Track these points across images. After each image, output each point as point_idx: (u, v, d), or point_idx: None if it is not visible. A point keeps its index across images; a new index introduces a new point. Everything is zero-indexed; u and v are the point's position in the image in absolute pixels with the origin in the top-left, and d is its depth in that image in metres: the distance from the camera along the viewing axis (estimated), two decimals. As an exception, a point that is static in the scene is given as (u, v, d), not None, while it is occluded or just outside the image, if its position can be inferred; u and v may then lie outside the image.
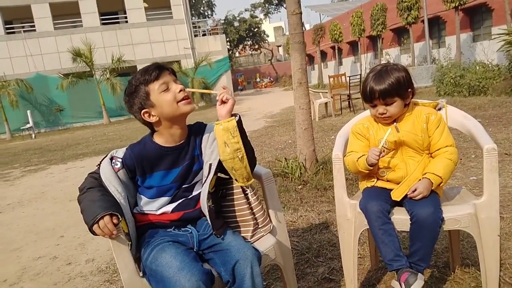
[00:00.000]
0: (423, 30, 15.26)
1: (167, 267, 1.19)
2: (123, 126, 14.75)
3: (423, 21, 15.02)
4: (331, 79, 10.20)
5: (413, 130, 1.56)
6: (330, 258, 2.18)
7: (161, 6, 22.67)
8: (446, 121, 1.62)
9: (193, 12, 35.67)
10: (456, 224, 1.48)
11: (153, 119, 1.36)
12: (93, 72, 18.63)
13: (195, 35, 24.03)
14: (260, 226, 1.48)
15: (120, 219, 1.24)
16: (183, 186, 1.42)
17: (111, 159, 1.39)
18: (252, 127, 9.08)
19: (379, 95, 1.52)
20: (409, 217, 1.47)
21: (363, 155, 1.58)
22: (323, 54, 27.85)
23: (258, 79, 40.45)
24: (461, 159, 3.74)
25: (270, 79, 40.00)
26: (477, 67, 9.10)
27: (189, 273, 1.15)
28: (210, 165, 1.40)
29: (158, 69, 1.35)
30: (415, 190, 1.48)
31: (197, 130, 1.47)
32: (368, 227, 1.56)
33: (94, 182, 1.34)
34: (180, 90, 1.35)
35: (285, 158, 4.12)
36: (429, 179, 1.49)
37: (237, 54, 43.89)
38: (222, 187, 1.52)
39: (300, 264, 2.16)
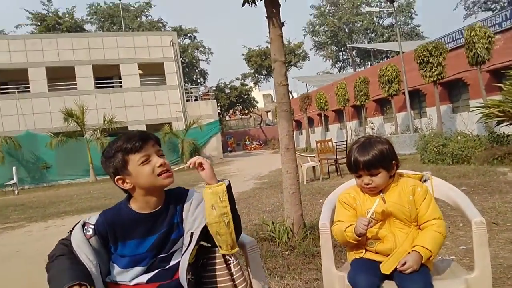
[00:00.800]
0: (405, 101, 16.04)
1: None
2: (109, 184, 14.39)
3: (404, 93, 15.85)
4: (318, 144, 10.42)
5: (400, 201, 1.55)
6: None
7: (155, 73, 23.66)
8: (432, 192, 1.62)
9: (186, 79, 37.16)
10: (449, 300, 1.41)
11: (126, 186, 1.33)
12: (84, 132, 18.73)
13: (187, 100, 24.79)
14: (242, 299, 1.38)
15: None
16: (160, 255, 1.33)
17: (83, 225, 1.32)
18: (240, 188, 8.98)
19: (364, 166, 1.53)
20: (399, 292, 1.40)
21: (351, 225, 1.55)
22: (310, 120, 28.76)
23: (247, 142, 41.12)
24: (449, 228, 3.70)
25: (259, 141, 40.72)
26: (459, 137, 9.43)
27: None
28: (192, 233, 1.33)
29: (142, 140, 1.32)
30: (405, 263, 1.43)
31: (178, 197, 1.42)
32: (357, 301, 1.48)
33: (64, 249, 1.27)
34: (160, 165, 1.32)
35: (272, 222, 4.02)
36: (418, 252, 1.45)
37: (227, 118, 45.02)
38: (203, 256, 1.43)
39: None
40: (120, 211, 1.35)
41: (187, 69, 39.59)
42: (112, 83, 23.51)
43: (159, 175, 1.31)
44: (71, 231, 1.32)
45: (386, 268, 1.48)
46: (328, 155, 9.71)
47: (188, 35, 41.81)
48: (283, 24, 3.75)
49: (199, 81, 42.36)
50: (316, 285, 2.64)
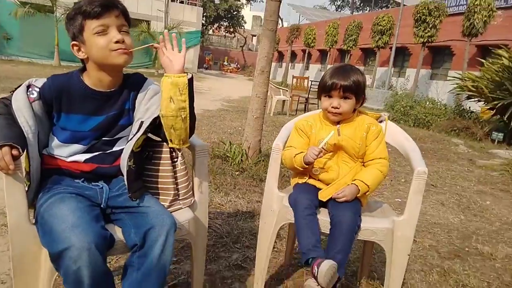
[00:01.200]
0: (389, 56, 15.92)
1: (61, 220, 1.05)
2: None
3: (391, 48, 15.66)
4: (295, 80, 10.32)
5: (353, 136, 1.59)
6: (247, 246, 2.17)
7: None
8: (384, 134, 1.66)
9: (175, -24, 34.16)
10: (372, 235, 1.51)
11: (80, 55, 1.23)
12: (54, 8, 17.18)
13: (172, 0, 23.08)
14: (180, 198, 1.40)
15: (21, 153, 1.09)
16: (104, 138, 1.28)
17: (28, 87, 1.22)
18: (207, 107, 8.90)
19: (341, 87, 1.53)
20: (329, 219, 1.48)
21: (301, 152, 1.57)
22: (293, 55, 28.11)
23: (225, 62, 39.93)
24: (391, 181, 3.93)
25: (237, 65, 39.65)
26: (427, 103, 9.67)
27: (83, 232, 1.02)
28: (142, 122, 1.28)
29: (104, 7, 1.17)
30: (341, 192, 1.50)
31: (135, 82, 1.34)
32: (290, 221, 1.56)
33: (3, 108, 1.17)
34: (117, 41, 1.19)
35: (229, 142, 4.06)
36: (356, 185, 1.52)
37: (210, 32, 42.89)
38: (150, 148, 1.40)
39: (216, 247, 2.12)
40: (71, 80, 1.26)
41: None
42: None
43: (113, 50, 1.20)
44: (13, 91, 1.22)
45: (323, 195, 1.55)
46: (301, 93, 9.69)
47: None
48: None
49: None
50: (257, 206, 2.77)
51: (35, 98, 1.20)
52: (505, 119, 7.35)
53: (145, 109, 1.30)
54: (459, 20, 12.73)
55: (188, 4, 24.86)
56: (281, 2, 3.52)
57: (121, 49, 1.20)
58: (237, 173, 3.52)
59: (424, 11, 13.02)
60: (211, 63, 39.45)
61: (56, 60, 17.35)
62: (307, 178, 1.66)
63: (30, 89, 1.21)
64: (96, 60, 1.22)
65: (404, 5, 15.77)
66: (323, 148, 1.54)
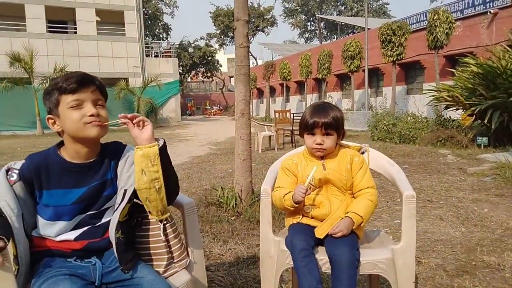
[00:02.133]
0: (364, 78, 16.41)
1: None
2: (57, 138, 13.53)
3: (364, 70, 16.18)
4: (277, 114, 10.48)
5: (338, 169, 1.61)
6: (252, 296, 2.10)
7: (114, 22, 22.21)
8: (368, 163, 1.68)
9: (147, 32, 35.33)
10: (374, 268, 1.49)
11: (55, 128, 1.25)
12: (32, 80, 17.42)
13: (147, 55, 23.69)
14: (175, 261, 1.36)
15: (7, 243, 1.07)
16: (90, 212, 1.27)
17: (7, 171, 1.21)
18: (195, 153, 8.92)
19: (322, 124, 1.57)
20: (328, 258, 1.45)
21: (289, 192, 1.58)
22: (272, 90, 28.76)
23: (207, 106, 40.52)
24: (387, 202, 3.92)
25: (219, 107, 40.27)
26: (409, 118, 9.87)
27: None
28: (125, 191, 1.26)
29: (79, 83, 1.20)
30: (337, 227, 1.49)
31: (114, 151, 1.34)
32: (290, 265, 1.53)
33: None
34: (92, 114, 1.21)
35: (221, 187, 4.03)
36: (350, 218, 1.52)
37: (189, 79, 43.78)
38: (137, 214, 1.38)
39: (221, 302, 2.05)
40: (48, 156, 1.26)
41: (149, 22, 37.58)
42: (66, 28, 21.81)
43: (87, 123, 1.21)
44: None
45: (320, 232, 1.54)
46: (285, 126, 9.81)
47: (153, -17, 39.35)
48: (248, -19, 3.59)
49: (161, 36, 40.46)
50: (257, 251, 2.71)
51: (15, 180, 1.20)
52: (486, 123, 7.53)
53: (127, 176, 1.29)
54: (423, 35, 13.34)
55: (163, 57, 25.52)
56: (248, 47, 3.64)
57: (95, 122, 1.21)
58: (233, 218, 3.47)
59: (388, 31, 13.62)
60: (193, 108, 39.98)
61: (39, 129, 17.37)
62: (300, 217, 1.65)
63: (9, 172, 1.21)
64: (71, 133, 1.23)
65: (368, 28, 16.52)
66: (311, 184, 1.56)
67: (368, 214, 1.55)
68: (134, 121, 1.21)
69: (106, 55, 21.44)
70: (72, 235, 1.24)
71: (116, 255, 1.22)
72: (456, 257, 2.53)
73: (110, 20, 22.36)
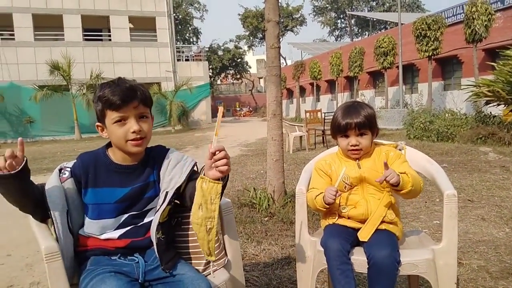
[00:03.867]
0: (398, 75, 15.96)
1: None
2: (94, 143, 14.32)
3: (398, 67, 15.74)
4: (308, 114, 10.41)
5: (374, 166, 1.58)
6: (288, 296, 2.10)
7: (146, 28, 22.88)
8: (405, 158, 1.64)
9: (178, 37, 36.15)
10: (414, 269, 1.45)
11: (104, 135, 1.32)
12: (70, 86, 18.28)
13: (178, 60, 24.23)
14: (214, 259, 1.40)
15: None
16: (132, 212, 1.32)
17: (60, 170, 1.30)
18: (226, 155, 9.00)
19: (355, 125, 1.55)
20: (367, 259, 1.44)
21: (321, 193, 1.57)
22: (302, 90, 28.55)
23: (237, 108, 40.84)
24: (425, 202, 3.80)
25: (249, 108, 40.47)
26: (446, 115, 9.51)
27: None
28: (167, 193, 1.31)
29: (123, 100, 1.24)
30: (389, 175, 1.41)
31: (158, 155, 1.39)
32: (327, 266, 1.52)
33: (37, 189, 1.25)
34: (134, 131, 1.25)
35: (254, 188, 4.06)
36: (398, 175, 1.44)
37: (218, 82, 44.35)
38: (177, 214, 1.43)
39: (257, 301, 2.07)
40: (97, 156, 1.34)
41: (179, 27, 38.41)
42: (101, 35, 22.71)
43: (128, 140, 1.27)
44: None
45: (363, 235, 1.51)
46: (316, 126, 9.72)
47: (183, -12, 40.21)
48: (278, -18, 3.60)
49: (191, 40, 41.25)
50: (291, 251, 2.71)
51: (67, 177, 1.28)
52: (530, 118, 7.13)
53: (169, 179, 1.33)
54: (460, 28, 12.81)
55: (193, 60, 26.01)
56: (280, 48, 3.65)
57: (135, 141, 1.27)
58: (266, 219, 3.49)
59: (423, 26, 13.18)
60: (224, 111, 40.41)
61: (77, 134, 18.17)
62: (336, 217, 1.63)
63: (62, 170, 1.30)
64: (115, 145, 1.31)
65: (402, 23, 16.04)
66: (346, 183, 1.54)
67: (416, 182, 1.47)
68: (216, 157, 1.15)
69: (139, 60, 22.13)
70: (116, 233, 1.30)
71: (157, 255, 1.26)
72: (500, 258, 2.42)
73: (142, 27, 23.07)
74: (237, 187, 5.06)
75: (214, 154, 1.14)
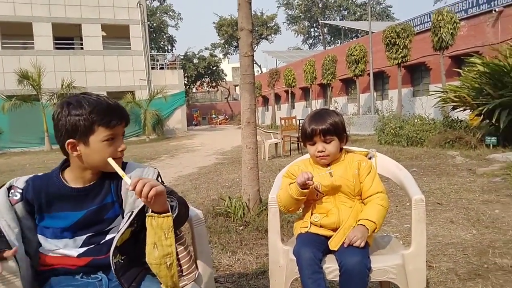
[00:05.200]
0: (369, 82, 16.38)
1: None
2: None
3: (369, 74, 16.15)
4: (283, 121, 10.49)
5: (346, 175, 1.60)
6: (263, 306, 2.08)
7: (120, 36, 22.51)
8: (376, 168, 1.67)
9: (152, 45, 35.77)
10: (385, 275, 1.48)
11: (74, 154, 1.21)
12: (40, 96, 17.70)
13: (153, 68, 23.94)
14: (184, 274, 1.36)
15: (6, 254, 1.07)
16: (90, 233, 1.25)
17: (9, 188, 1.22)
18: (201, 163, 8.95)
19: (320, 132, 1.58)
20: (338, 266, 1.45)
21: (293, 182, 1.56)
22: (277, 97, 28.81)
23: (213, 116, 40.71)
24: (397, 206, 3.89)
25: (225, 116, 40.43)
26: (416, 120, 9.81)
27: None
28: (131, 214, 1.23)
29: (120, 120, 1.21)
30: (353, 237, 1.46)
31: (115, 173, 1.26)
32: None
33: None
34: (122, 150, 1.23)
35: (229, 197, 4.03)
36: (364, 225, 1.50)
37: (194, 90, 44.12)
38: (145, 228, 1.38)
39: (231, 313, 2.04)
40: (49, 180, 1.26)
41: (154, 35, 38.08)
42: (73, 44, 22.16)
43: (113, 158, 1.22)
44: None
45: (334, 244, 1.52)
46: (291, 133, 9.81)
47: (157, -4, 40.01)
48: (252, -11, 3.63)
49: (166, 48, 40.94)
50: (266, 260, 2.69)
51: (18, 199, 1.20)
52: (494, 122, 7.46)
53: (133, 200, 1.25)
54: (427, 36, 13.30)
55: (168, 69, 25.79)
56: (253, 56, 3.67)
57: (120, 159, 1.24)
58: (241, 228, 3.47)
59: (392, 34, 13.61)
60: (199, 119, 40.19)
61: (47, 145, 17.58)
62: (309, 226, 1.63)
63: (12, 190, 1.21)
64: (93, 163, 1.22)
65: (372, 32, 16.53)
66: (318, 191, 1.56)
67: (381, 219, 1.54)
68: (136, 190, 1.07)
69: (113, 69, 21.72)
70: (75, 252, 1.23)
71: (117, 279, 1.20)
72: (467, 260, 2.49)
73: (115, 35, 22.68)
74: (212, 196, 5.02)
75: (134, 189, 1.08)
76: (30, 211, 1.23)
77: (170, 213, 1.14)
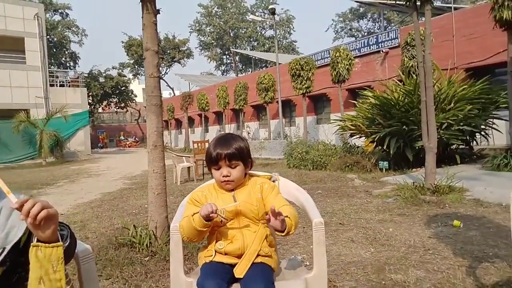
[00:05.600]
0: (278, 109, 17.20)
1: None
2: None
3: (278, 101, 16.99)
4: (196, 145, 10.35)
5: (249, 199, 1.58)
6: None
7: (13, 49, 20.26)
8: (279, 190, 1.69)
9: (52, 61, 32.93)
10: (290, 300, 1.47)
11: None
12: None
13: (52, 85, 21.94)
14: (68, 320, 1.18)
15: None
16: None
17: None
18: (106, 189, 8.29)
19: (225, 156, 1.54)
20: (243, 296, 1.40)
21: (197, 213, 1.48)
22: (191, 120, 28.55)
23: (122, 138, 38.51)
24: (303, 228, 4.02)
25: (135, 138, 38.56)
26: (320, 146, 10.51)
27: None
28: (3, 250, 1.05)
29: None
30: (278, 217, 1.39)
31: None
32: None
33: None
34: None
35: (134, 226, 3.75)
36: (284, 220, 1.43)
37: (100, 110, 41.39)
38: (21, 268, 1.17)
39: None
40: None
41: (54, 50, 35.17)
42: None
43: None
44: None
45: (239, 271, 1.47)
46: (204, 157, 9.70)
47: (59, 11, 37.29)
48: (158, 11, 3.55)
49: (68, 65, 38.01)
50: (172, 291, 2.53)
51: None
52: (385, 148, 8.34)
53: (5, 234, 1.06)
54: (327, 70, 14.56)
55: (69, 86, 23.86)
56: (159, 77, 3.56)
57: None
58: (146, 259, 3.23)
59: (297, 66, 14.61)
60: (106, 141, 37.67)
61: None
62: (213, 254, 1.56)
63: None
64: None
65: (279, 63, 17.54)
66: (222, 217, 1.51)
67: (295, 217, 1.48)
68: (23, 211, 0.91)
69: (3, 84, 19.33)
70: None
71: None
72: (367, 278, 2.65)
73: (7, 47, 20.35)
74: (116, 225, 4.63)
75: (21, 208, 0.91)
76: None
77: (61, 243, 0.98)
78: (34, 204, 0.92)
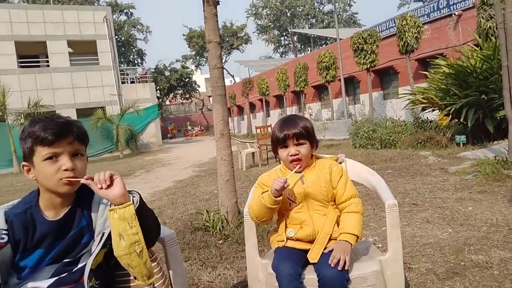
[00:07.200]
0: (340, 88, 16.69)
1: None
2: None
3: (340, 79, 16.47)
4: (258, 130, 10.50)
5: (318, 181, 1.58)
6: (245, 323, 2.03)
7: (87, 52, 22.05)
8: (347, 173, 1.67)
9: (122, 59, 35.26)
10: (364, 282, 1.46)
11: (30, 176, 1.20)
12: (5, 117, 17.02)
13: (123, 82, 23.54)
14: (158, 296, 1.31)
15: None
16: (67, 259, 1.20)
17: None
18: (178, 177, 8.80)
19: (293, 135, 1.56)
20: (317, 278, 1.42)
21: (267, 191, 1.53)
22: (252, 106, 28.90)
23: (189, 127, 40.35)
24: (374, 209, 3.93)
25: (200, 127, 40.17)
26: (388, 123, 10.04)
27: None
28: (103, 235, 1.21)
29: (56, 135, 1.14)
30: (333, 258, 1.42)
31: (86, 195, 1.27)
32: (280, 289, 1.48)
33: None
34: (66, 169, 1.15)
35: (207, 211, 3.96)
36: (346, 240, 1.48)
37: (167, 102, 43.65)
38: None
39: (213, 332, 1.97)
40: (32, 214, 1.19)
41: (123, 49, 37.56)
42: (39, 62, 21.50)
43: (61, 179, 1.15)
44: None
45: (313, 256, 1.50)
46: (268, 141, 9.81)
47: (124, 11, 39.61)
48: (218, 2, 3.62)
49: (136, 62, 40.43)
50: (246, 274, 2.65)
51: (5, 242, 1.12)
52: (462, 121, 7.72)
53: (103, 220, 1.23)
54: (393, 41, 13.72)
55: (139, 82, 25.42)
56: (222, 68, 3.65)
57: (66, 180, 1.16)
58: (220, 242, 3.40)
59: (360, 40, 13.97)
60: (174, 131, 39.75)
61: (15, 167, 16.87)
62: (285, 240, 1.59)
63: None
64: (44, 185, 1.19)
65: (340, 39, 16.90)
66: (290, 199, 1.53)
67: (360, 227, 1.53)
68: (95, 180, 1.12)
69: (81, 85, 21.20)
70: (45, 283, 1.17)
71: None
72: (445, 259, 2.53)
73: (83, 50, 22.21)
74: (190, 210, 4.92)
75: (92, 179, 1.13)
76: (14, 252, 1.15)
77: (130, 202, 1.13)
78: (101, 173, 1.13)
